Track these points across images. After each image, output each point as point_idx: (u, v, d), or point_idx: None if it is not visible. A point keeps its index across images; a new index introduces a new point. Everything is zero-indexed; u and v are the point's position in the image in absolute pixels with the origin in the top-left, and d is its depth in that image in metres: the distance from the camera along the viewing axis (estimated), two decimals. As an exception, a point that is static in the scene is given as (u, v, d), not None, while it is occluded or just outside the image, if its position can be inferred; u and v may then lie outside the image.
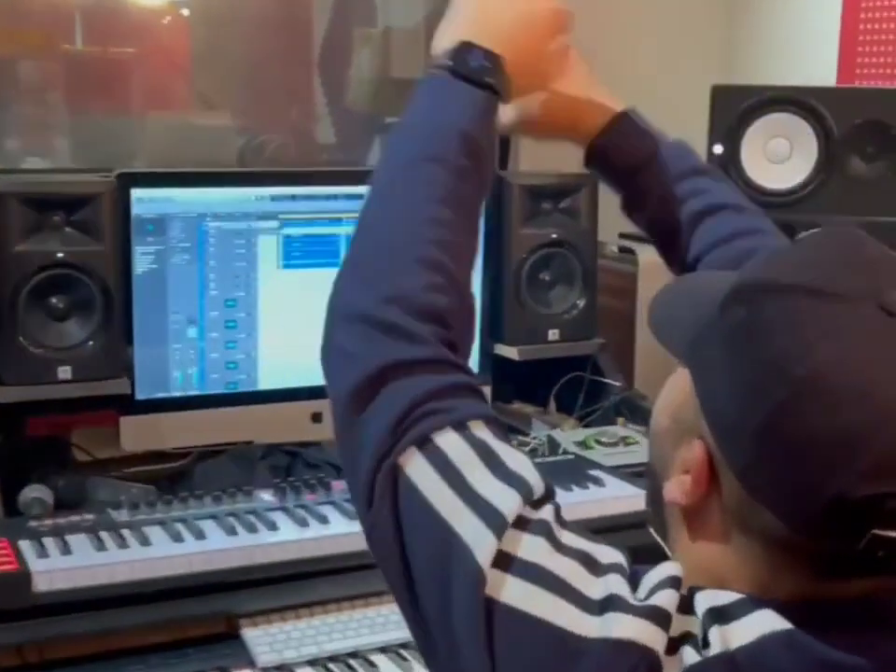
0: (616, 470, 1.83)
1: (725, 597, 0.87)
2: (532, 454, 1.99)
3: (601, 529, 1.69)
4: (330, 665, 1.46)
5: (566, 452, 1.93)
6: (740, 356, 0.83)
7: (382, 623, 1.53)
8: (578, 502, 1.68)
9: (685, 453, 0.90)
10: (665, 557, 1.51)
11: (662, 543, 1.06)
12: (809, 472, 0.80)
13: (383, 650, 1.49)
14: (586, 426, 2.09)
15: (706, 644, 0.84)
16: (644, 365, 2.27)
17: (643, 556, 1.70)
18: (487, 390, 2.08)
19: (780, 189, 2.34)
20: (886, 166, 2.31)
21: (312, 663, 1.46)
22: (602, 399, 2.13)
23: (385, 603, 1.55)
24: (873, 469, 0.78)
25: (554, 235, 2.06)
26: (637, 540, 1.70)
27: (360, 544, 1.56)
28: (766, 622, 0.85)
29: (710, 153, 2.34)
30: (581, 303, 2.10)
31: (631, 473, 1.88)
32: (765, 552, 0.86)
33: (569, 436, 2.01)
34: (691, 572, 0.92)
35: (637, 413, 2.06)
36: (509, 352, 2.06)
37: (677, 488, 0.91)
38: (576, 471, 1.79)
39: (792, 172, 2.34)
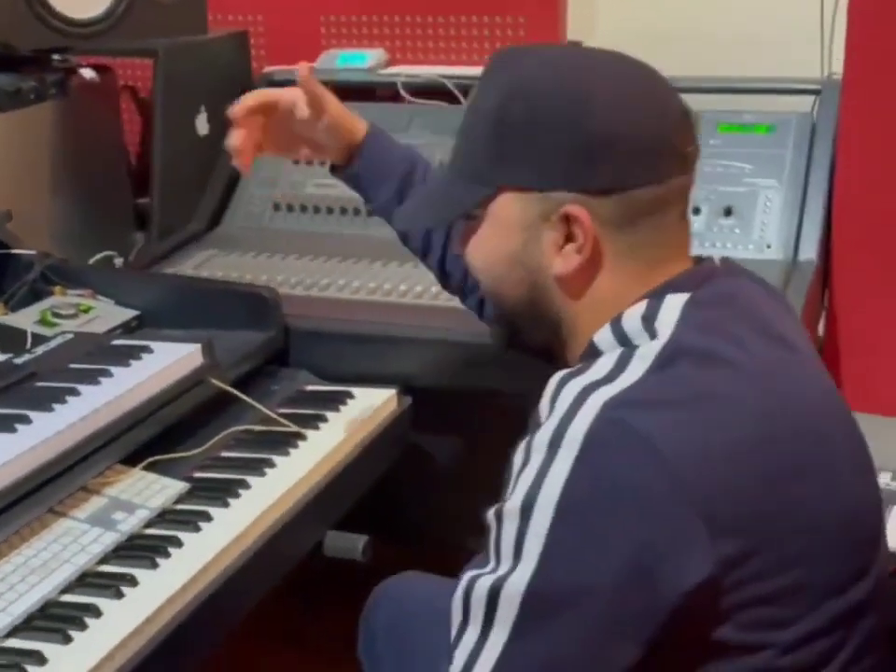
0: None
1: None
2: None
3: (174, 397, 1.58)
4: None
5: (45, 338, 1.70)
6: (542, 122, 1.05)
7: None
8: (145, 379, 1.54)
9: (550, 238, 1.08)
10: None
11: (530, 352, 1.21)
12: (640, 141, 1.04)
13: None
14: (12, 309, 1.85)
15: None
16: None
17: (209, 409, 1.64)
18: None
19: (86, 18, 2.21)
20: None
21: None
22: (12, 274, 1.90)
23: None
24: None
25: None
26: (199, 398, 1.64)
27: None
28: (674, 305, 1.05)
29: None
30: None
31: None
32: (652, 224, 1.07)
33: (18, 320, 1.77)
34: (584, 331, 1.09)
35: (71, 277, 1.88)
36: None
37: (567, 259, 1.08)
38: (96, 348, 1.62)
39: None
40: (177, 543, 1.37)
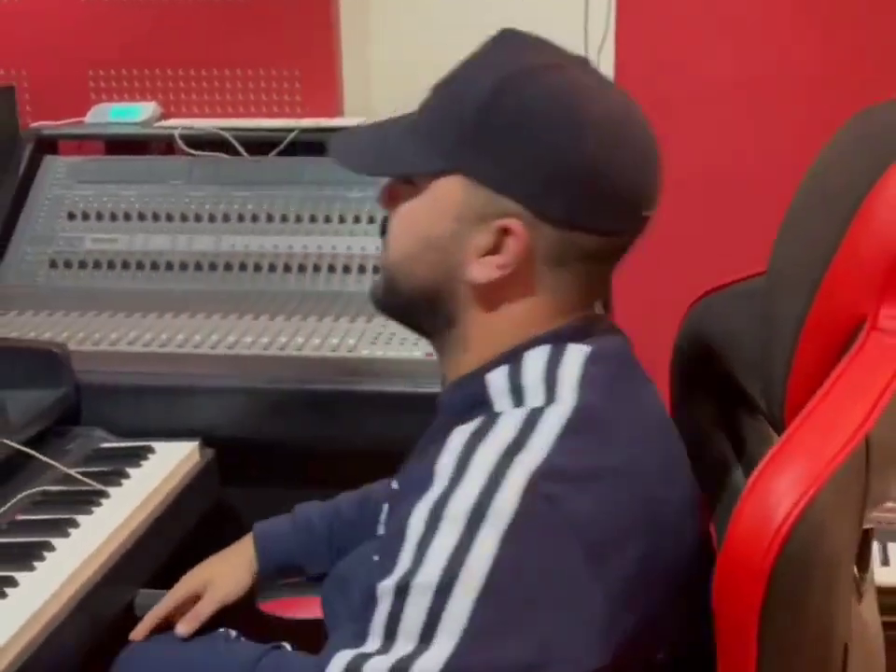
0: None
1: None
2: None
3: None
4: None
5: None
6: (531, 129, 0.98)
7: None
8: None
9: (478, 240, 1.01)
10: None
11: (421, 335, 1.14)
12: (616, 189, 0.99)
13: None
14: None
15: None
16: None
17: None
18: None
19: None
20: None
21: None
22: None
23: None
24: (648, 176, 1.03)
25: None
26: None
27: None
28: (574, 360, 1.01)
29: None
30: None
31: None
32: (581, 272, 1.02)
33: None
34: (475, 344, 1.04)
35: None
36: None
37: (485, 269, 1.01)
38: None
39: None
40: (-16, 611, 1.29)
